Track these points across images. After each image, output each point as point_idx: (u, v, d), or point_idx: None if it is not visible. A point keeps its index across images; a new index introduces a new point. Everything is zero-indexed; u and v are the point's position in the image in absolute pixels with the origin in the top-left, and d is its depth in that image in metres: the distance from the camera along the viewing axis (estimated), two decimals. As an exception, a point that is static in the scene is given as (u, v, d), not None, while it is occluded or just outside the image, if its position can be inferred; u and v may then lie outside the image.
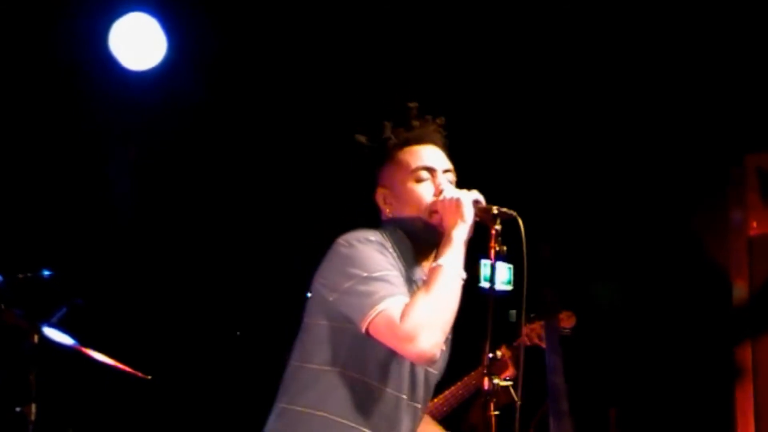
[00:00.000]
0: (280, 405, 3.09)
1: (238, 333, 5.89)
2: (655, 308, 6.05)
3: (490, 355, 3.03)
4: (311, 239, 3.37)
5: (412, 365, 3.09)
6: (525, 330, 5.27)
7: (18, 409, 4.65)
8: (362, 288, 2.95)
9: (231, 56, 5.76)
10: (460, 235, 3.03)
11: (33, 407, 4.66)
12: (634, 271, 6.11)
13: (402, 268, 3.08)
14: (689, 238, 5.99)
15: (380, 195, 3.20)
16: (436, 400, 5.03)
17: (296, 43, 5.76)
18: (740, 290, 5.84)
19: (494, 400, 3.01)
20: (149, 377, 5.07)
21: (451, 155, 3.25)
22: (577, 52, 5.79)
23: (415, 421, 3.17)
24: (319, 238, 3.20)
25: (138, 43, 5.53)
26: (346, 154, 3.29)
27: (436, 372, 3.22)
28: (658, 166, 6.00)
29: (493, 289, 3.02)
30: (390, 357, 3.03)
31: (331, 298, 3.01)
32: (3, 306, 4.69)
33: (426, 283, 2.99)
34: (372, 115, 3.30)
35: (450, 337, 3.22)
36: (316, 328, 3.07)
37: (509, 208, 3.11)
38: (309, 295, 3.13)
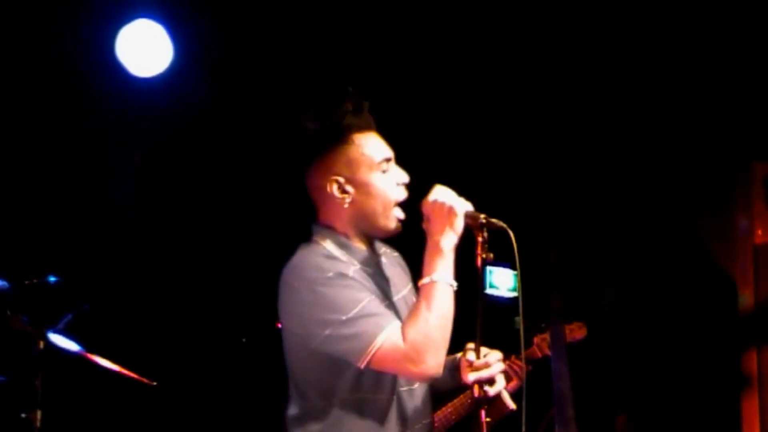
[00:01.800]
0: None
1: (243, 340, 5.88)
2: (661, 315, 6.04)
3: (480, 360, 3.02)
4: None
5: None
6: (536, 340, 5.27)
7: (23, 415, 4.65)
8: (347, 332, 2.89)
9: (237, 63, 5.76)
10: (449, 244, 2.96)
11: (38, 413, 4.65)
12: (640, 278, 6.09)
13: (364, 273, 3.03)
14: (695, 246, 5.98)
15: (332, 183, 3.06)
16: (444, 408, 5.01)
17: (301, 49, 5.76)
18: (746, 298, 5.84)
19: (486, 406, 2.98)
20: (155, 383, 5.07)
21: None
22: (586, 57, 5.78)
23: (421, 392, 3.13)
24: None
25: (144, 49, 5.53)
26: (284, 137, 3.17)
27: None
28: (665, 173, 5.99)
29: (485, 295, 2.98)
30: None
31: (312, 345, 2.95)
32: (9, 312, 4.70)
33: (423, 300, 2.93)
34: (313, 99, 3.16)
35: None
36: (303, 371, 3.03)
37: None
38: (283, 334, 3.06)
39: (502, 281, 4.86)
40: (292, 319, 3.00)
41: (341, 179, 3.06)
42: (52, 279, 4.79)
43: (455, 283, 2.97)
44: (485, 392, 2.99)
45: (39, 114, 5.71)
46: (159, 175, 6.06)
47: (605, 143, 5.98)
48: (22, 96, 5.62)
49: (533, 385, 4.85)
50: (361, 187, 3.05)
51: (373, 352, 2.88)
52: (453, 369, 3.18)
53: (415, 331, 2.88)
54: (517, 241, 2.99)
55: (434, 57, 5.79)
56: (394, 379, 3.05)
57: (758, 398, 5.73)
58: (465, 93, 5.86)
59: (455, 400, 5.03)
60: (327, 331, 2.91)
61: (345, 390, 2.99)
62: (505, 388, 3.15)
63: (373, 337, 2.88)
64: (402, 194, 3.12)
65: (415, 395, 3.11)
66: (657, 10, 5.54)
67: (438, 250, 2.95)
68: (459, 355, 3.18)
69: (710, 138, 5.84)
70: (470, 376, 2.99)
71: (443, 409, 4.99)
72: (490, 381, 3.02)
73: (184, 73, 5.64)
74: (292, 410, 3.08)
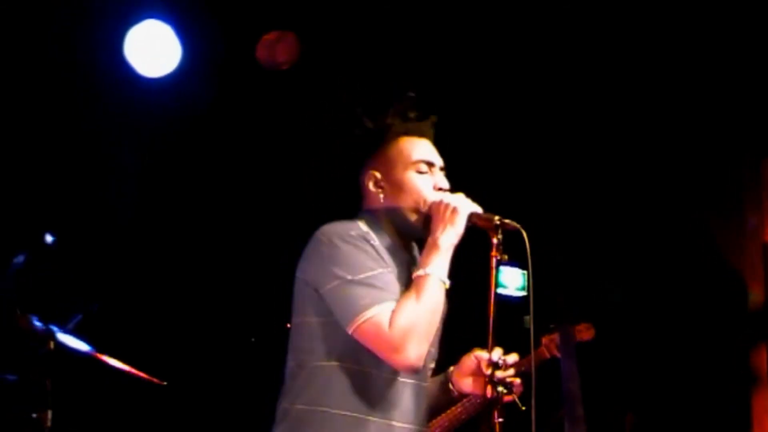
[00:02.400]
0: (281, 407, 3.11)
1: (252, 339, 5.89)
2: (670, 313, 6.04)
3: (494, 359, 3.03)
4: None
5: None
6: (544, 341, 5.27)
7: (34, 415, 4.66)
8: (347, 292, 2.96)
9: (245, 63, 5.77)
10: (447, 241, 3.03)
11: (49, 413, 4.66)
12: (649, 276, 6.10)
13: (387, 258, 3.07)
14: (705, 243, 5.98)
15: (370, 177, 3.19)
16: (453, 408, 5.01)
17: (308, 49, 5.76)
18: (755, 294, 5.84)
19: (499, 407, 3.00)
20: (164, 383, 5.08)
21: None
22: (595, 59, 5.78)
23: (421, 398, 3.16)
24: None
25: (153, 50, 5.54)
26: (340, 129, 3.26)
27: (432, 348, 3.19)
28: (674, 171, 5.99)
29: (497, 296, 3.01)
30: None
31: (317, 295, 3.02)
32: (19, 312, 4.71)
33: (414, 290, 2.98)
34: (374, 98, 3.28)
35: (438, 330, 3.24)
36: (306, 327, 3.07)
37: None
38: (294, 294, 3.13)
39: (511, 280, 4.88)
40: (306, 269, 3.07)
41: (378, 175, 3.18)
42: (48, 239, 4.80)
43: (448, 281, 3.02)
44: (498, 392, 3.01)
45: (47, 114, 5.72)
46: (167, 174, 6.07)
47: (613, 143, 5.99)
48: (30, 95, 5.64)
49: (543, 385, 4.86)
50: (395, 184, 3.16)
51: (360, 321, 2.93)
52: (444, 383, 3.27)
53: (401, 319, 2.92)
54: (522, 245, 3.03)
55: (441, 59, 5.79)
56: None
57: (768, 396, 5.74)
58: (473, 95, 5.86)
59: (464, 400, 5.03)
60: (332, 284, 2.98)
61: (345, 355, 3.02)
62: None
63: (366, 307, 2.93)
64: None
65: (418, 391, 3.13)
66: (665, 11, 5.53)
67: (436, 246, 3.03)
68: (451, 368, 3.26)
69: (719, 136, 5.84)
70: (496, 375, 3.02)
71: (453, 409, 4.99)
72: (506, 384, 3.04)
73: (192, 73, 5.65)
74: (288, 381, 3.11)
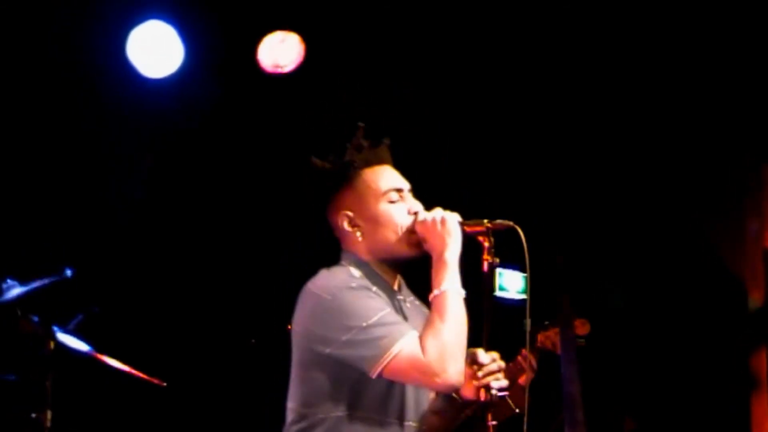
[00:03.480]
0: None
1: (253, 341, 5.89)
2: (670, 317, 6.04)
3: (483, 362, 3.03)
4: (328, 248, 3.35)
5: (403, 388, 3.06)
6: (540, 337, 5.29)
7: (34, 415, 4.66)
8: (365, 337, 2.92)
9: (247, 64, 5.77)
10: (452, 255, 3.01)
11: (48, 414, 4.67)
12: (649, 280, 6.10)
13: (384, 298, 3.05)
14: (706, 248, 5.99)
15: (343, 218, 3.13)
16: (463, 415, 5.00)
17: (310, 51, 5.77)
18: (756, 300, 5.84)
19: (492, 410, 3.01)
20: (164, 384, 5.08)
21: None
22: (597, 61, 5.78)
23: None
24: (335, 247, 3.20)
25: (155, 50, 5.54)
26: (300, 179, 3.22)
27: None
28: (675, 176, 5.99)
29: (492, 301, 3.01)
30: (388, 387, 3.02)
31: (326, 352, 2.97)
32: (19, 313, 4.71)
33: (435, 312, 2.96)
34: (320, 138, 3.25)
35: None
36: (312, 382, 3.04)
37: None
38: (293, 346, 3.08)
39: (511, 283, 4.89)
40: (310, 328, 3.03)
41: (351, 213, 3.13)
42: (68, 273, 4.80)
43: (464, 291, 3.01)
44: (492, 395, 3.01)
45: (49, 115, 5.72)
46: (169, 176, 6.07)
47: (615, 147, 5.98)
48: (33, 96, 5.64)
49: (543, 388, 4.87)
50: (370, 219, 3.11)
51: (389, 359, 2.90)
52: (450, 399, 3.21)
53: (434, 343, 2.90)
54: (526, 244, 3.02)
55: (441, 60, 5.79)
56: (402, 405, 3.06)
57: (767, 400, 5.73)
58: (473, 97, 5.86)
59: (473, 405, 5.02)
60: (346, 337, 2.94)
61: (350, 405, 3.00)
62: (518, 383, 3.16)
63: (391, 344, 2.90)
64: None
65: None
66: (666, 14, 5.53)
67: (443, 262, 3.01)
68: None
69: (720, 141, 5.84)
70: (486, 378, 3.02)
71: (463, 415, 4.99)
72: (494, 387, 3.04)
73: (194, 74, 5.65)
74: (291, 426, 3.09)
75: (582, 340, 5.33)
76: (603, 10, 5.59)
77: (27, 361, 4.85)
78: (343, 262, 3.14)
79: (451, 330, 2.93)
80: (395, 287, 3.16)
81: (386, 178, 3.15)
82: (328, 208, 3.18)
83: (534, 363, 5.03)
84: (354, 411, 3.00)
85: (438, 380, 2.91)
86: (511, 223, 3.04)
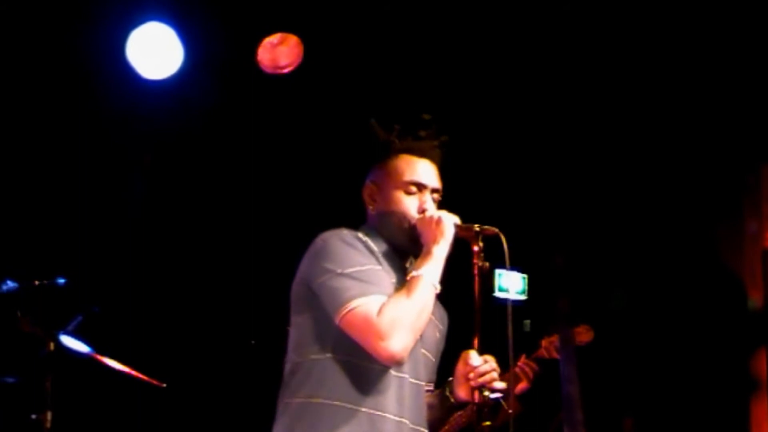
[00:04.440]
0: (282, 402, 3.17)
1: (252, 342, 5.90)
2: (670, 318, 6.04)
3: (475, 364, 3.08)
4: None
5: None
6: (544, 343, 5.28)
7: (34, 416, 4.67)
8: (335, 284, 3.04)
9: (247, 66, 5.77)
10: (440, 250, 3.13)
11: (48, 415, 4.68)
12: (649, 281, 6.10)
13: (383, 261, 3.16)
14: (705, 249, 5.99)
15: (368, 189, 3.29)
16: (456, 416, 5.00)
17: (310, 52, 5.77)
18: (755, 300, 5.84)
19: (485, 411, 3.07)
20: (164, 385, 5.09)
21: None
22: (596, 63, 5.78)
23: (419, 399, 3.20)
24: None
25: (155, 52, 5.55)
26: (352, 137, 3.32)
27: (430, 354, 3.26)
28: (674, 177, 6.00)
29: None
30: None
31: (310, 291, 3.10)
32: (19, 314, 4.72)
33: (405, 289, 3.07)
34: (386, 113, 3.36)
35: (443, 328, 3.33)
36: (302, 324, 3.15)
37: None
38: (293, 288, 3.19)
39: (511, 284, 4.89)
40: (301, 267, 3.16)
41: (374, 188, 3.29)
42: (60, 281, 4.82)
43: (439, 286, 3.11)
44: (485, 397, 3.08)
45: (50, 115, 5.73)
46: (168, 177, 6.08)
47: (614, 149, 5.99)
48: (33, 97, 5.64)
49: (543, 388, 4.87)
50: (384, 199, 3.26)
51: (345, 312, 3.01)
52: (442, 392, 3.30)
53: (391, 310, 3.01)
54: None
55: (442, 62, 5.79)
56: None
57: (767, 401, 5.73)
58: (474, 98, 5.87)
59: (468, 407, 5.02)
60: (322, 278, 3.07)
61: (337, 347, 3.08)
62: (513, 391, 3.18)
63: (352, 298, 3.01)
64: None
65: (413, 388, 3.17)
66: (666, 17, 5.53)
67: (429, 253, 3.13)
68: (450, 378, 3.28)
69: (719, 142, 5.84)
70: (481, 379, 3.09)
71: (455, 416, 4.98)
72: (488, 388, 3.10)
73: (194, 75, 5.65)
74: (287, 377, 3.16)
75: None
76: (602, 12, 5.59)
77: (27, 362, 4.86)
78: (360, 227, 3.27)
79: (412, 308, 3.03)
80: (400, 259, 3.25)
81: (415, 170, 3.26)
82: (366, 174, 3.32)
83: (531, 374, 4.99)
84: (340, 354, 3.08)
85: (382, 344, 2.99)
86: (496, 230, 3.15)
